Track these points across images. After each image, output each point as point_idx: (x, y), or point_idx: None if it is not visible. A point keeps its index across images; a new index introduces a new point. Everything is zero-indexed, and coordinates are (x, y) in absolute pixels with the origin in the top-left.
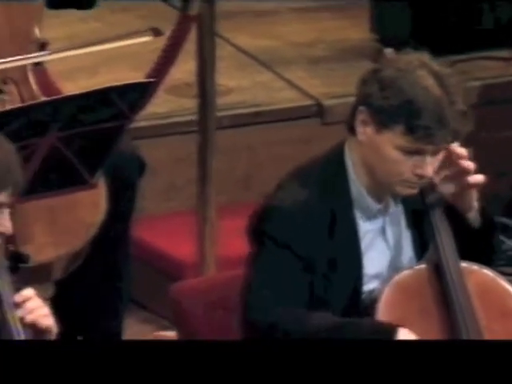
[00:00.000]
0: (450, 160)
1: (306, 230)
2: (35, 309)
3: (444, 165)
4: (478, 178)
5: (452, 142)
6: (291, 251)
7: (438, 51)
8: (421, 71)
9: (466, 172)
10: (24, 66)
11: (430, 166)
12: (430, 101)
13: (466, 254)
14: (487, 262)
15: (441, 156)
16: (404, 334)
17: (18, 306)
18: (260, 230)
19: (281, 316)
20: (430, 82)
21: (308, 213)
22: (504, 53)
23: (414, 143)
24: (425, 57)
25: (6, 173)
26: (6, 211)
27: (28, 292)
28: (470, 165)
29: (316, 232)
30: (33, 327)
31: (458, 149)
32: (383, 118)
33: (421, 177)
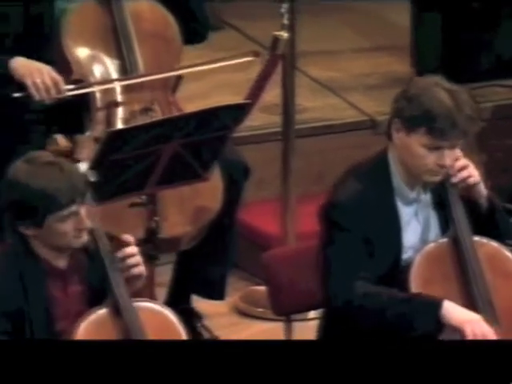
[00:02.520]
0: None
1: (360, 216)
2: (131, 254)
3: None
4: (475, 178)
5: (463, 138)
6: (352, 233)
7: (461, 81)
8: (435, 88)
9: (468, 177)
10: (166, 92)
11: (448, 157)
12: (443, 109)
13: (478, 230)
14: (496, 236)
15: (457, 150)
16: (447, 305)
17: (118, 248)
18: (328, 216)
19: (355, 292)
20: (442, 95)
21: (361, 203)
22: (510, 82)
23: (433, 141)
24: (438, 78)
25: (73, 189)
26: (82, 213)
27: (127, 237)
28: (470, 171)
29: (367, 216)
30: (126, 274)
31: (462, 161)
32: (410, 124)
33: (442, 166)
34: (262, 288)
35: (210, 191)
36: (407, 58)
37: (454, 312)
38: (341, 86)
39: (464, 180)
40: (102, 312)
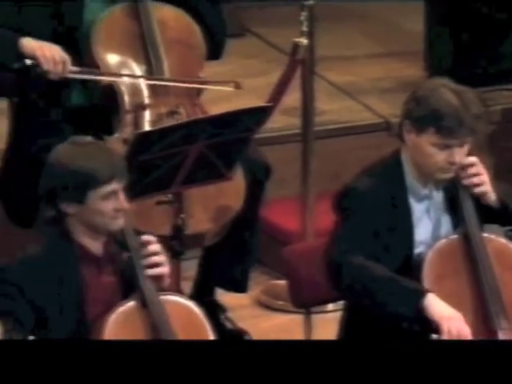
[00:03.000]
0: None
1: (371, 206)
2: (154, 252)
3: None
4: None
5: (471, 136)
6: (361, 218)
7: (472, 84)
8: (442, 89)
9: (477, 174)
10: (191, 96)
11: (457, 155)
12: (450, 108)
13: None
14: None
15: (466, 147)
16: (431, 298)
17: (142, 245)
18: (339, 204)
19: (352, 262)
20: (449, 95)
21: (373, 194)
22: None
23: (442, 140)
24: (445, 80)
25: (113, 167)
26: (121, 194)
27: (150, 237)
28: (479, 169)
29: (379, 209)
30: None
31: (469, 158)
32: (420, 125)
33: (452, 163)
34: (283, 282)
35: (233, 190)
36: (419, 62)
37: (435, 306)
38: (357, 90)
39: (473, 179)
40: (130, 305)
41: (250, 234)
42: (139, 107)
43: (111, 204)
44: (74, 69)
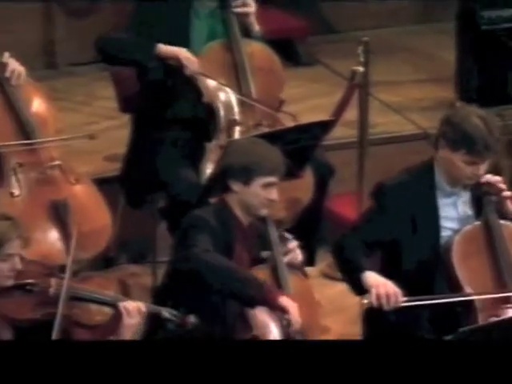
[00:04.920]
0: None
1: (394, 199)
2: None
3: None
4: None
5: (494, 156)
6: (383, 210)
7: (493, 103)
8: (472, 116)
9: (501, 190)
10: (274, 114)
11: (481, 169)
12: (479, 136)
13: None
14: None
15: (487, 163)
16: (370, 274)
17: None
18: (372, 195)
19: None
20: (477, 122)
21: (400, 189)
22: None
23: (471, 159)
24: (474, 107)
25: (277, 163)
26: (275, 188)
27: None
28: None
29: (405, 200)
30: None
31: (494, 178)
32: (453, 145)
33: (477, 176)
34: None
35: (304, 186)
36: (451, 86)
37: (368, 277)
38: (402, 107)
39: (496, 192)
40: (264, 269)
41: (317, 220)
42: (232, 120)
43: (267, 193)
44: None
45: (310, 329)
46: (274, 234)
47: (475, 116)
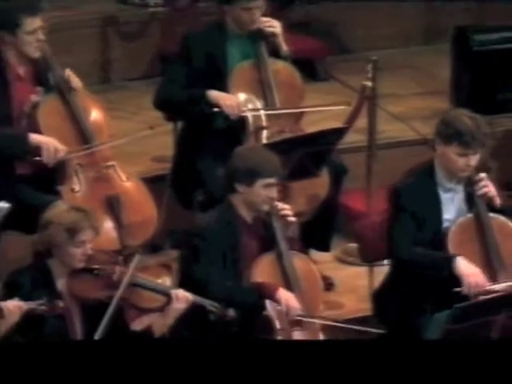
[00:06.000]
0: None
1: (407, 201)
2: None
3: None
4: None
5: (481, 148)
6: (404, 211)
7: (484, 113)
8: (462, 115)
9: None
10: (294, 121)
11: (472, 160)
12: (468, 130)
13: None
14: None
15: (478, 155)
16: (460, 259)
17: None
18: (390, 199)
19: (410, 248)
20: (466, 119)
21: (409, 191)
22: None
23: (462, 150)
24: (464, 110)
25: (277, 167)
26: (275, 187)
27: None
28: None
29: (414, 200)
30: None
31: (480, 174)
32: (447, 140)
33: (468, 166)
34: (354, 245)
35: (321, 183)
36: (446, 98)
37: (461, 265)
38: (405, 117)
39: (483, 188)
40: (270, 255)
41: (332, 213)
42: (259, 127)
43: (268, 192)
44: (245, 108)
45: (314, 301)
46: (277, 225)
47: (465, 115)
